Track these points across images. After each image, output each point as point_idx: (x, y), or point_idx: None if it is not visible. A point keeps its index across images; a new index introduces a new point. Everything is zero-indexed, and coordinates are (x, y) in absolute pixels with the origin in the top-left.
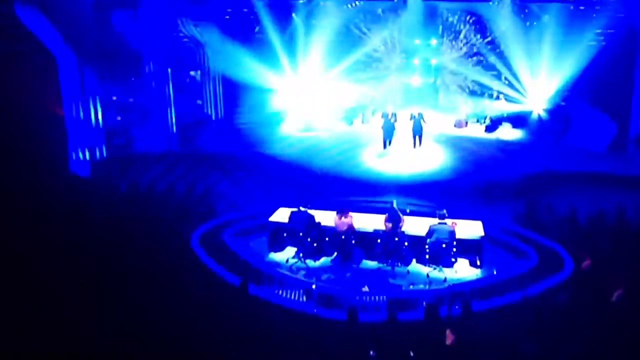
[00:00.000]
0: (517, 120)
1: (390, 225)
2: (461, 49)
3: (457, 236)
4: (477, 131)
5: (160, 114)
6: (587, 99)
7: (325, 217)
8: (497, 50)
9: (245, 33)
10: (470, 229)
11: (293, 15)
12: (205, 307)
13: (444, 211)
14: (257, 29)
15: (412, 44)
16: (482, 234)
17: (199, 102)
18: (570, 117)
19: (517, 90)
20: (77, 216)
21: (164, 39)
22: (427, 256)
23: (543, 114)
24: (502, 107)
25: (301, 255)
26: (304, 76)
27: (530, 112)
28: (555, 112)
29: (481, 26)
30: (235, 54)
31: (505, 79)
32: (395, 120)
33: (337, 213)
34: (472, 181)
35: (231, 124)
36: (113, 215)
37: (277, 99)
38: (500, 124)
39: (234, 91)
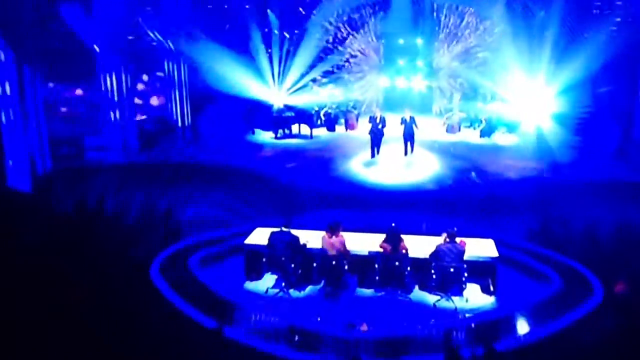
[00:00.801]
0: (514, 123)
1: (389, 247)
2: (453, 47)
3: (466, 257)
4: (471, 136)
5: (117, 120)
6: (591, 100)
7: (312, 238)
8: (492, 48)
9: (217, 34)
10: (481, 249)
11: (268, 11)
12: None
13: (455, 229)
14: (227, 26)
15: (396, 43)
16: (496, 254)
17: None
18: (573, 119)
19: (513, 91)
20: (12, 240)
21: (122, 36)
22: (433, 282)
23: (542, 117)
24: (497, 110)
25: (283, 284)
26: (280, 78)
27: (528, 115)
28: (556, 114)
29: (475, 22)
30: (205, 56)
31: (500, 79)
32: (384, 125)
33: (327, 231)
34: (473, 193)
35: (200, 131)
36: (57, 239)
37: (252, 103)
38: (496, 128)
39: (204, 95)
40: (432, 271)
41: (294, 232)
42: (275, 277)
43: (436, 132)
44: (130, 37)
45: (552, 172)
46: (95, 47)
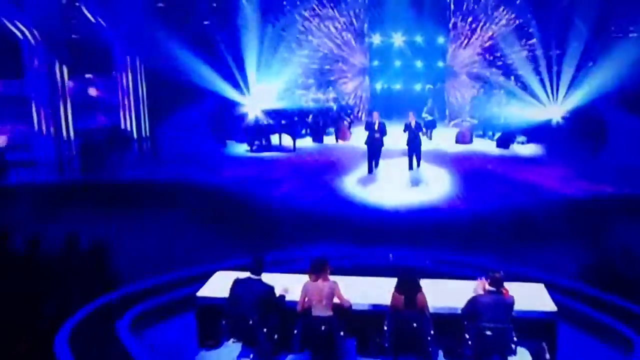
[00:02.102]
0: (535, 131)
1: (402, 299)
2: (461, 42)
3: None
4: (486, 146)
5: (51, 130)
6: (624, 103)
7: (293, 285)
8: (508, 43)
9: (182, 28)
10: (530, 298)
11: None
12: None
13: (501, 273)
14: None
15: (396, 39)
16: (553, 306)
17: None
18: (605, 126)
19: (532, 93)
20: None
21: (58, 25)
22: (468, 350)
23: (567, 123)
24: (514, 115)
25: (252, 357)
26: (257, 79)
27: (550, 121)
28: (584, 120)
29: (484, 13)
30: (167, 55)
31: (517, 79)
32: (383, 133)
33: (310, 273)
34: (500, 217)
35: (161, 144)
36: None
37: (223, 110)
38: (515, 136)
39: (165, 100)
40: (467, 335)
41: (268, 277)
42: (240, 345)
43: (444, 142)
44: (70, 30)
45: (589, 188)
46: (21, 36)
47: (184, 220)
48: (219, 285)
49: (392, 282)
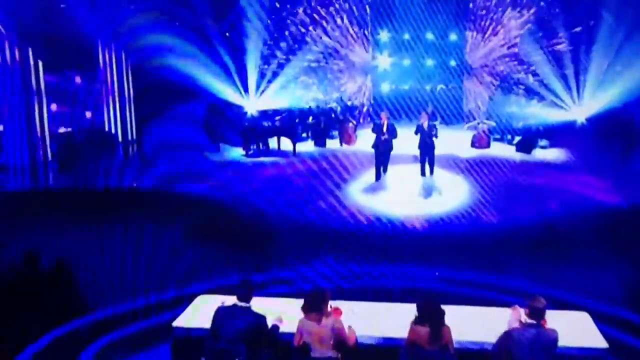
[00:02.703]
0: (558, 134)
1: (425, 331)
2: (478, 38)
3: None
4: (505, 151)
5: (24, 131)
6: None
7: (290, 312)
8: (530, 39)
9: (172, 19)
10: (573, 332)
11: None
12: None
13: (542, 302)
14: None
15: (400, 33)
16: (603, 342)
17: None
18: (636, 127)
19: (555, 93)
20: None
21: (31, 10)
22: None
23: (593, 125)
24: (536, 117)
25: None
26: (254, 78)
27: (574, 123)
28: (613, 122)
29: (506, 6)
30: (156, 49)
31: (539, 78)
32: (393, 135)
33: (306, 310)
34: (526, 232)
35: (148, 147)
36: None
37: (216, 110)
38: (537, 140)
39: (154, 100)
40: None
41: (259, 303)
42: None
43: (459, 147)
44: (47, 21)
45: (626, 197)
46: None
47: (167, 234)
48: (200, 312)
49: (405, 308)
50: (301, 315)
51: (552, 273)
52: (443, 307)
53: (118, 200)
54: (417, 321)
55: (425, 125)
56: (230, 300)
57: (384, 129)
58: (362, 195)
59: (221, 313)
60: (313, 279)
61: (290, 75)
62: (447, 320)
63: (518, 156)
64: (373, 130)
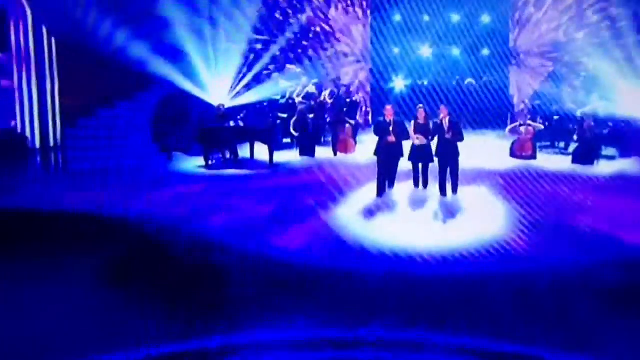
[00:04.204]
0: (632, 140)
1: None
2: (524, 18)
3: None
4: (556, 163)
5: None
6: None
7: None
8: (589, 19)
9: None
10: None
11: None
12: None
13: None
14: None
15: (416, 13)
16: None
17: None
18: None
19: (624, 87)
20: None
21: None
22: None
23: None
24: (598, 118)
25: None
26: (217, 65)
27: None
28: None
29: None
30: (91, 22)
31: (602, 68)
32: (403, 136)
33: None
34: (587, 277)
35: (75, 154)
36: None
37: (169, 107)
38: (600, 148)
39: (86, 93)
40: None
41: None
42: None
43: (493, 156)
44: None
45: None
46: None
47: (89, 277)
48: None
49: None
50: None
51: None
52: None
53: (19, 229)
54: None
55: (446, 123)
56: None
57: (390, 128)
58: (358, 220)
59: None
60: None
61: (273, 62)
62: None
63: (575, 169)
64: (376, 132)
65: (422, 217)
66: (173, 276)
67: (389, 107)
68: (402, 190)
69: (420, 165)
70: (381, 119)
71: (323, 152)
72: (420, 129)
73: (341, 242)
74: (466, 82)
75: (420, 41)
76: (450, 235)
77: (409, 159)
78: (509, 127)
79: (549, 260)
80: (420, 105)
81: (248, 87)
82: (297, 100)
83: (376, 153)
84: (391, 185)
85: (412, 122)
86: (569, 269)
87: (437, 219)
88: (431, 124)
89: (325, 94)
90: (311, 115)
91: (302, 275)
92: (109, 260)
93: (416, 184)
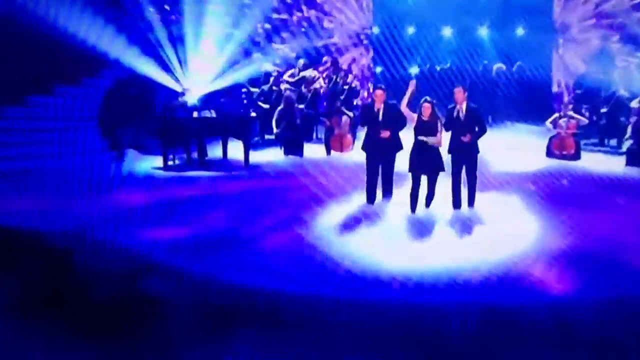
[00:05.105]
0: None
1: None
2: None
3: None
4: (604, 163)
5: None
6: None
7: None
8: None
9: None
10: None
11: None
12: None
13: None
14: None
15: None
16: None
17: None
18: None
19: None
20: None
21: None
22: None
23: None
24: None
25: None
26: (192, 43)
27: None
28: None
29: None
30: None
31: None
32: (398, 124)
33: None
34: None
35: (8, 155)
36: None
37: (126, 93)
38: None
39: (19, 74)
40: None
41: None
42: None
43: (525, 156)
44: None
45: None
46: None
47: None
48: None
49: None
50: None
51: None
52: None
53: None
54: None
55: (463, 109)
56: None
57: (380, 116)
58: (342, 235)
59: None
60: None
61: (252, 41)
62: None
63: (630, 173)
64: (361, 121)
65: (425, 236)
66: (102, 308)
67: (379, 92)
68: (402, 196)
69: (424, 177)
70: (368, 103)
71: (312, 150)
72: (423, 129)
73: (324, 267)
74: (495, 68)
75: (438, 17)
76: (462, 259)
77: (410, 170)
78: (549, 120)
79: (592, 299)
80: (427, 98)
81: (223, 69)
82: (283, 87)
83: (364, 148)
84: (387, 191)
85: (415, 116)
86: (615, 315)
87: (447, 236)
88: (439, 123)
89: (318, 77)
90: (301, 106)
91: (270, 302)
92: (24, 285)
93: (413, 202)
